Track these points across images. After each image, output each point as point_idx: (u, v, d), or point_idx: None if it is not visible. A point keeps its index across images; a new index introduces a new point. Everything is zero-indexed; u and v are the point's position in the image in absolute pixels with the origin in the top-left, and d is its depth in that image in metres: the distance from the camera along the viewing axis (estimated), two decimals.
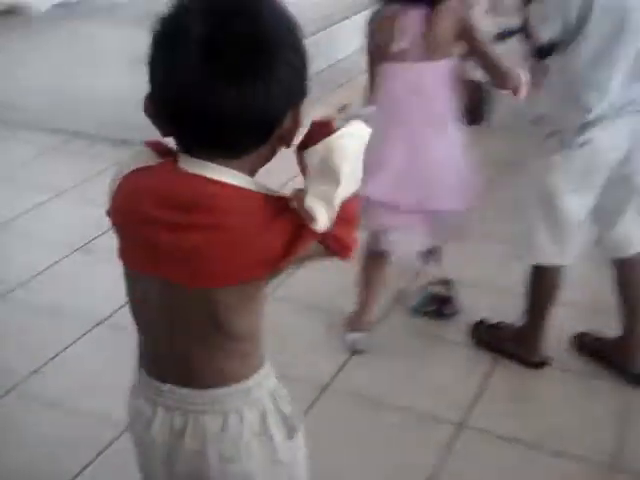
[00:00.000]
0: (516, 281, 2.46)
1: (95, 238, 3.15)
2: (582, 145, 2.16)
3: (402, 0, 2.26)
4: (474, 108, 2.95)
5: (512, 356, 2.50)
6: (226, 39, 0.99)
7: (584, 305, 2.71)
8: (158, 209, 1.06)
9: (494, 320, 2.61)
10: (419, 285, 2.78)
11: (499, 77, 2.34)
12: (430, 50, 2.27)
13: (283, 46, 1.02)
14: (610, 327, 2.45)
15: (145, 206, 1.08)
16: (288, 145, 1.09)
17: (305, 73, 1.06)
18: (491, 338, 2.57)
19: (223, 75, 0.98)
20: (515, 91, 2.28)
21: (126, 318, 1.25)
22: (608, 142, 2.17)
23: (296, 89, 1.05)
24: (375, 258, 2.51)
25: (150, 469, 1.27)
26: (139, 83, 1.14)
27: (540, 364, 2.48)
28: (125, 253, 1.16)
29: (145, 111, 1.07)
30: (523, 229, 2.38)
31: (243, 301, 1.11)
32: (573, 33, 2.10)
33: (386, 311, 2.73)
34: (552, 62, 2.21)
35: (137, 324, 1.22)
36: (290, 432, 1.21)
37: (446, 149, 2.37)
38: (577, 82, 2.15)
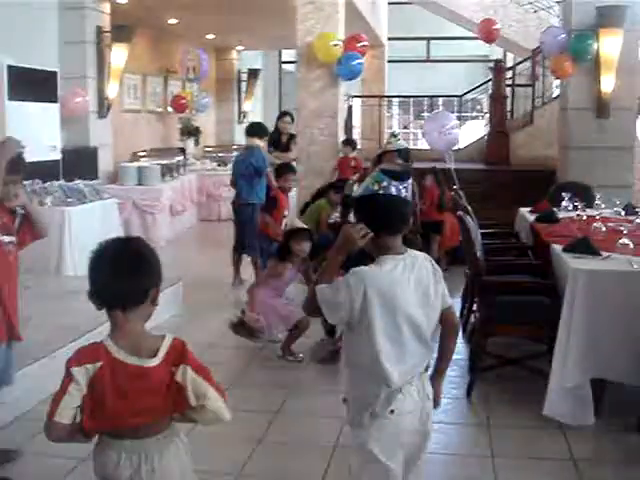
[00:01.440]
0: None
1: None
2: (392, 413, 2.47)
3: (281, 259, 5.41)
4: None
5: None
6: (127, 260, 2.21)
7: None
8: None
9: None
10: None
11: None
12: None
13: (152, 263, 2.24)
14: None
15: None
16: (155, 303, 2.24)
17: (160, 274, 2.25)
18: None
19: (127, 275, 2.19)
20: None
21: None
22: (408, 406, 2.50)
23: (157, 279, 2.25)
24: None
25: None
26: None
27: None
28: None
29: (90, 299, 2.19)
30: None
31: None
32: (361, 317, 2.43)
33: None
34: (350, 346, 2.56)
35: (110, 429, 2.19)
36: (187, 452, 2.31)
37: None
38: (376, 360, 2.44)
